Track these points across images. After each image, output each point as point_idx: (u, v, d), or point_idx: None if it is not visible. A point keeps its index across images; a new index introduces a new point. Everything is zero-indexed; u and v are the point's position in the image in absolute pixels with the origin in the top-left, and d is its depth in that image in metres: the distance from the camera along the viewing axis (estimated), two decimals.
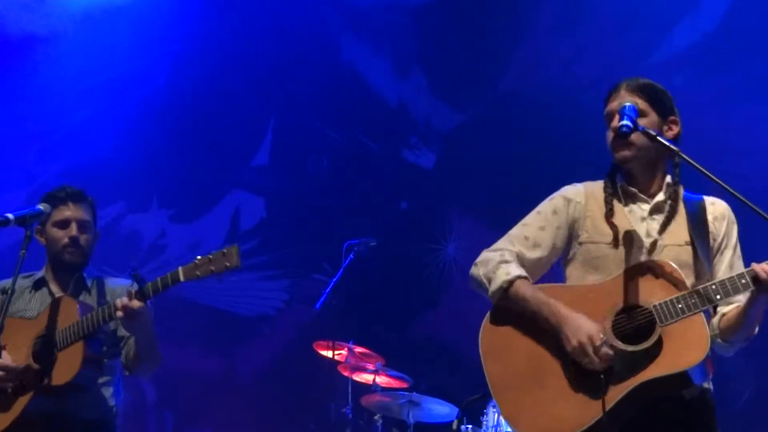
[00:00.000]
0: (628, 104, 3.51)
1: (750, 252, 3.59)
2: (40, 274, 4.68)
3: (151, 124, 9.51)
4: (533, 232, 3.69)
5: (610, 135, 3.61)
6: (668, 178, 3.64)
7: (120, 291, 4.48)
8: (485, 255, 3.69)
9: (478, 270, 3.65)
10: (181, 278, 3.97)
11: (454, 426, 6.60)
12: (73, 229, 4.57)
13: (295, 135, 9.72)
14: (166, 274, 4.05)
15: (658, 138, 3.47)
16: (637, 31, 8.65)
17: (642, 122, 3.54)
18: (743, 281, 3.29)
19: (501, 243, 3.71)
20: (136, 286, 4.07)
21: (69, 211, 4.59)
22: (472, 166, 9.07)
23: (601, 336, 3.31)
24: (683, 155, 3.44)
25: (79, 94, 9.54)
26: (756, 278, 3.26)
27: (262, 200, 9.70)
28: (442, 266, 9.06)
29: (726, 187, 3.35)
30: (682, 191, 3.64)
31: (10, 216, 4.18)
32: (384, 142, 9.62)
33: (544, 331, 3.46)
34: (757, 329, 3.49)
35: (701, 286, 3.34)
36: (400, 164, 9.51)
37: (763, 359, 6.99)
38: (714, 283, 3.32)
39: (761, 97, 8.06)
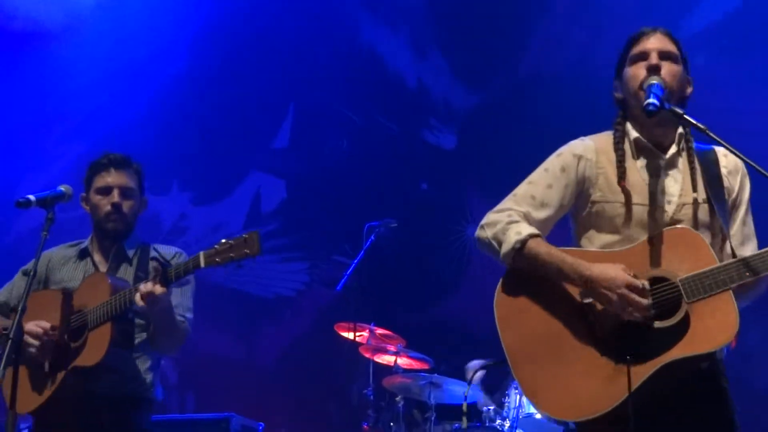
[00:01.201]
0: (655, 82, 3.36)
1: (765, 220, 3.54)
2: (85, 243, 4.65)
3: (171, 106, 9.54)
4: (540, 190, 3.52)
5: (639, 73, 3.46)
6: (680, 129, 3.51)
7: (165, 257, 4.46)
8: (491, 216, 3.51)
9: (485, 232, 3.48)
10: (202, 264, 3.94)
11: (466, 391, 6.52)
12: (115, 196, 4.50)
13: (315, 117, 9.72)
14: (188, 259, 4.03)
15: (686, 117, 3.33)
16: (657, 11, 8.57)
17: (674, 69, 3.45)
18: None
19: (506, 203, 3.53)
20: (156, 265, 4.06)
21: (111, 177, 4.53)
22: (491, 146, 9.05)
23: (640, 281, 3.18)
24: (711, 133, 3.31)
25: (100, 77, 9.59)
26: None
27: (282, 182, 9.71)
28: (463, 247, 9.05)
29: (743, 157, 3.28)
30: (692, 145, 3.51)
31: (32, 197, 4.16)
32: (404, 124, 9.61)
33: (563, 293, 3.34)
34: (764, 291, 3.40)
35: (730, 261, 3.21)
36: (420, 145, 9.50)
37: None
38: (744, 260, 3.18)
39: None
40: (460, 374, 7.36)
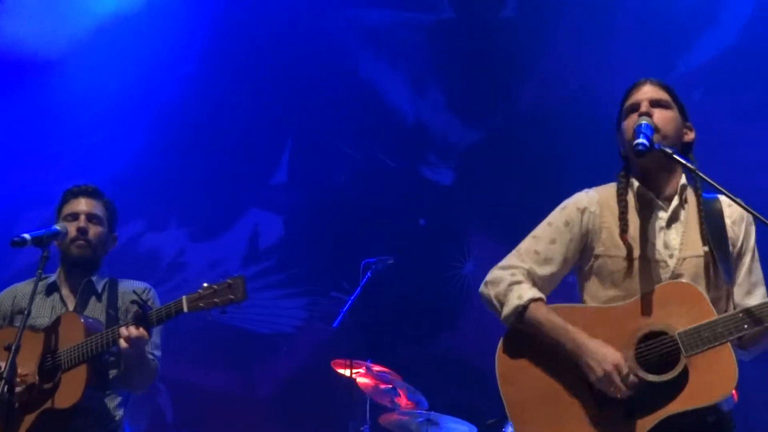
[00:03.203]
0: (644, 123, 3.42)
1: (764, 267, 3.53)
2: (52, 277, 4.65)
3: (170, 142, 9.54)
4: (544, 246, 3.56)
5: (631, 124, 3.50)
6: (683, 179, 3.53)
7: (133, 295, 4.45)
8: (495, 273, 3.57)
9: (488, 290, 3.55)
10: (185, 309, 3.95)
11: None
12: (82, 221, 4.54)
13: (314, 153, 9.72)
14: (170, 303, 4.02)
15: (675, 156, 3.39)
16: (656, 47, 8.62)
17: (666, 114, 3.50)
18: None
19: (511, 259, 3.58)
20: (137, 309, 4.05)
21: (79, 205, 4.58)
22: (490, 183, 9.05)
23: (627, 364, 3.22)
24: (699, 173, 3.36)
25: (97, 113, 9.60)
26: None
27: (280, 218, 9.70)
28: (461, 284, 9.03)
29: (740, 202, 3.30)
30: (701, 194, 3.52)
31: (27, 236, 4.18)
32: (402, 160, 9.61)
33: (562, 356, 3.37)
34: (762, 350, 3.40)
35: (729, 314, 3.24)
36: (418, 181, 9.50)
37: None
38: (741, 312, 3.21)
39: None
40: (458, 411, 7.31)
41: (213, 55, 9.76)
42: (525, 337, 3.47)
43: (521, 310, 3.44)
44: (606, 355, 3.23)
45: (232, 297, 3.88)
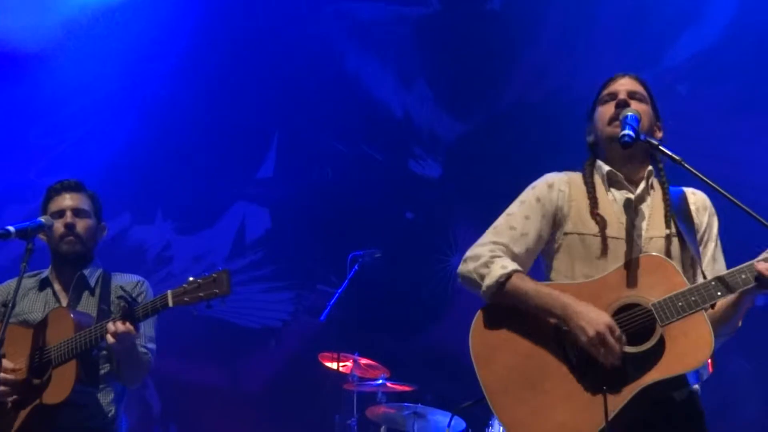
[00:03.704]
0: (630, 114, 3.45)
1: (740, 252, 3.55)
2: (45, 273, 4.63)
3: (156, 136, 9.52)
4: (519, 222, 3.58)
5: (608, 110, 3.56)
6: (649, 166, 3.57)
7: (127, 287, 4.42)
8: (474, 250, 3.56)
9: (467, 266, 3.53)
10: (170, 304, 3.94)
11: None
12: (68, 217, 4.52)
13: (300, 146, 9.71)
14: (155, 298, 4.03)
15: (661, 148, 3.44)
16: (641, 41, 8.65)
17: (643, 107, 3.56)
18: (743, 276, 3.23)
19: (487, 236, 3.59)
20: (123, 304, 4.05)
21: (64, 201, 4.56)
22: (477, 176, 9.06)
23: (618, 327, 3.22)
24: (686, 165, 3.37)
25: (82, 107, 9.56)
26: (759, 276, 3.20)
27: (267, 212, 9.69)
28: (448, 277, 9.04)
29: (723, 192, 3.32)
30: (667, 185, 3.57)
31: (11, 228, 4.16)
32: (389, 153, 9.61)
33: (541, 328, 3.36)
34: (740, 323, 3.43)
35: (701, 283, 3.27)
36: (405, 175, 9.50)
37: None
38: (713, 280, 3.25)
39: (761, 109, 8.05)
40: (445, 404, 7.33)
41: (199, 48, 9.74)
42: (502, 313, 3.45)
43: (504, 279, 3.42)
44: (598, 317, 3.23)
45: (217, 291, 3.87)
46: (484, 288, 3.46)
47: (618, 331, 3.20)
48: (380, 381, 7.44)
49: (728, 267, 3.47)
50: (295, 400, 8.90)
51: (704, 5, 8.57)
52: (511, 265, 3.45)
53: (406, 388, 7.52)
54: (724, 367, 7.09)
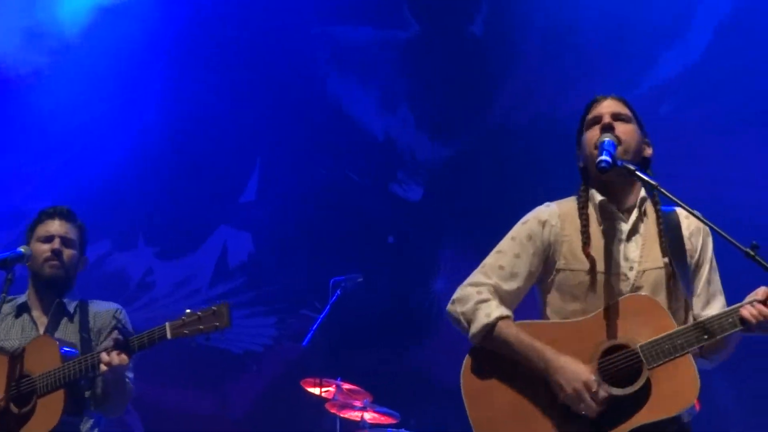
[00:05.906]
0: (606, 140, 3.44)
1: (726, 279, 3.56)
2: (22, 298, 4.59)
3: (138, 162, 9.49)
4: (508, 260, 3.56)
5: (594, 135, 3.53)
6: (642, 192, 3.55)
7: (105, 315, 4.42)
8: (462, 291, 3.57)
9: (455, 308, 3.55)
10: (169, 336, 3.93)
11: None
12: (56, 243, 4.51)
13: (283, 171, 9.70)
14: (153, 329, 4.00)
15: (638, 173, 3.40)
16: (622, 64, 8.68)
17: (628, 128, 3.54)
18: (730, 320, 3.23)
19: (476, 276, 3.58)
20: (118, 335, 4.02)
21: (53, 227, 4.55)
22: (459, 200, 9.07)
23: (596, 380, 3.24)
24: (662, 189, 3.36)
25: (64, 134, 9.51)
26: (743, 320, 3.21)
27: (249, 236, 9.66)
28: (431, 301, 9.02)
29: (700, 216, 3.32)
30: (659, 208, 3.55)
31: None
32: (371, 177, 9.61)
33: (528, 374, 3.38)
34: (734, 349, 3.44)
35: (689, 325, 3.28)
36: (388, 199, 9.50)
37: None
38: (701, 323, 3.26)
39: (741, 129, 8.09)
40: (428, 428, 7.30)
41: (182, 72, 9.73)
42: (491, 356, 3.47)
43: (489, 328, 3.44)
44: (576, 372, 3.25)
45: (218, 324, 3.88)
46: (470, 335, 3.49)
47: (595, 387, 3.22)
48: (363, 405, 7.40)
49: (723, 282, 3.51)
50: (278, 425, 8.84)
51: (684, 28, 8.62)
52: (495, 312, 3.46)
53: (391, 420, 7.47)
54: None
